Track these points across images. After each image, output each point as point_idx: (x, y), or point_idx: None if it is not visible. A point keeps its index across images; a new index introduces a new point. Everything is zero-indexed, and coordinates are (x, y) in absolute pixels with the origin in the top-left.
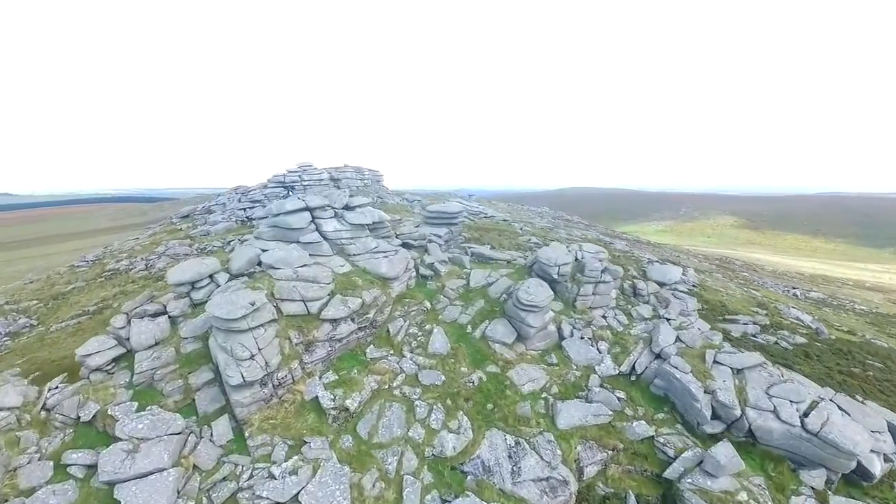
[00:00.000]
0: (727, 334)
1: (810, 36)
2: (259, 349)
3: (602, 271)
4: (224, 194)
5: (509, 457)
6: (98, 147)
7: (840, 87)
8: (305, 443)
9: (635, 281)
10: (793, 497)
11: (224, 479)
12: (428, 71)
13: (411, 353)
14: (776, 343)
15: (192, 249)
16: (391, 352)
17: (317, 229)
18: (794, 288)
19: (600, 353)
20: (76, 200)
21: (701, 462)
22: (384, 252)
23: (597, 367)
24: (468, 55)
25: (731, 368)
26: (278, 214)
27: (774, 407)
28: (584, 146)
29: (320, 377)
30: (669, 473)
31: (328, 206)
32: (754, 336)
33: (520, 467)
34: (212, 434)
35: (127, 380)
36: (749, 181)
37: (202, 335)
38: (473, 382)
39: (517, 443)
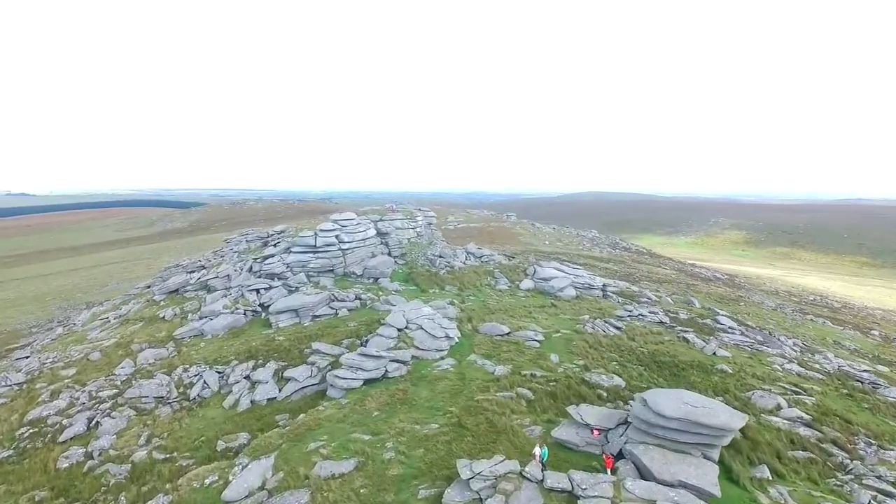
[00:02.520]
0: None
1: (851, 33)
2: None
3: None
4: (232, 242)
5: None
6: (118, 145)
7: (887, 85)
8: None
9: None
10: None
11: None
12: (436, 69)
13: None
14: None
15: (170, 381)
16: None
17: None
18: None
19: None
20: (88, 204)
21: None
22: None
23: None
24: (476, 54)
25: None
26: None
27: None
28: (595, 148)
29: None
30: None
31: None
32: None
33: None
34: None
35: None
36: (780, 186)
37: None
38: None
39: None
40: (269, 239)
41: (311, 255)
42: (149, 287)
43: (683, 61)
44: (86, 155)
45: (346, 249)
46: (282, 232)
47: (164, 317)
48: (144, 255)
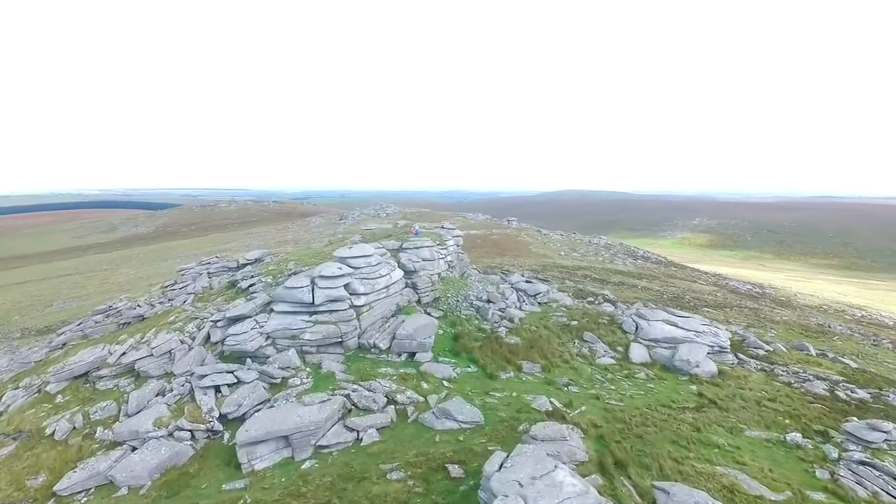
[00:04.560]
0: None
1: (836, 29)
2: None
3: None
4: (189, 274)
5: None
6: (87, 143)
7: (870, 84)
8: None
9: None
10: None
11: None
12: (412, 67)
13: None
14: None
15: None
16: None
17: None
18: None
19: None
20: (51, 205)
21: None
22: None
23: None
24: (452, 51)
25: None
26: None
27: None
28: (573, 147)
29: None
30: None
31: None
32: None
33: None
34: None
35: None
36: (755, 185)
37: None
38: None
39: None
40: (240, 275)
41: (305, 316)
42: (63, 346)
43: (661, 59)
44: (53, 153)
45: (362, 306)
46: (258, 261)
47: (52, 433)
48: (101, 265)
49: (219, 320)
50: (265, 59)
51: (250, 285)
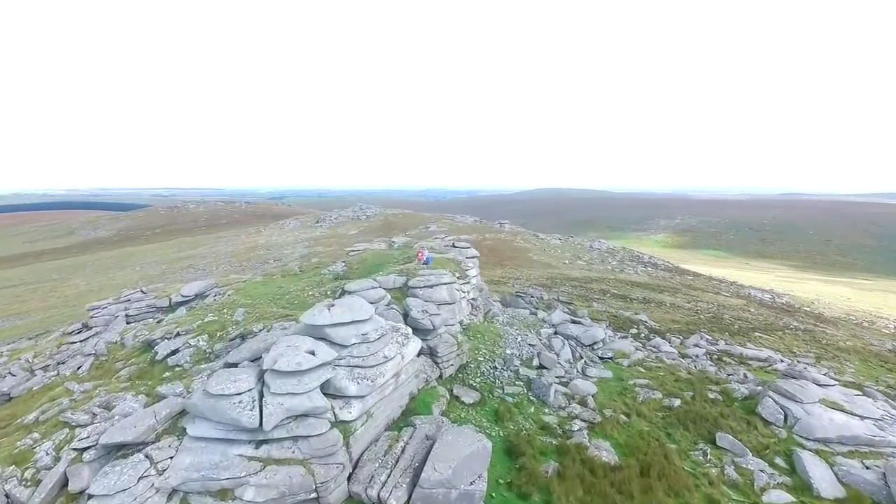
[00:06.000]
0: None
1: (804, 30)
2: None
3: None
4: (99, 320)
5: None
6: (54, 141)
7: (839, 84)
8: None
9: None
10: None
11: None
12: (388, 63)
13: None
14: None
15: None
16: None
17: None
18: None
19: None
20: (8, 206)
21: None
22: None
23: None
24: (429, 48)
25: None
26: None
27: None
28: (548, 145)
29: None
30: None
31: None
32: None
33: None
34: None
35: None
36: (735, 182)
37: None
38: None
39: None
40: (162, 329)
41: (245, 448)
42: None
43: (631, 59)
44: (19, 151)
45: (354, 421)
46: (198, 298)
47: None
48: (51, 275)
49: (88, 447)
50: (241, 54)
51: (171, 353)
